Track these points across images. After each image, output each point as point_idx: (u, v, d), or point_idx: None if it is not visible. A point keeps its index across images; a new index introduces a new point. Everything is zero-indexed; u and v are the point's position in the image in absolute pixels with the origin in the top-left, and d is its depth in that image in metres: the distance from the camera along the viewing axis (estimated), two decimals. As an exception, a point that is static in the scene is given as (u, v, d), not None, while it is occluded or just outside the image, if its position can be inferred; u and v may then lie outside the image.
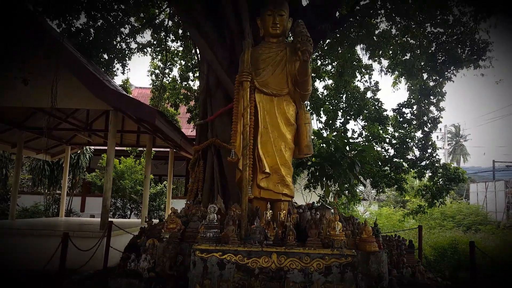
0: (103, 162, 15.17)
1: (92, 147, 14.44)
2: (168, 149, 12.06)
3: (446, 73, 9.04)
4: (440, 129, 36.40)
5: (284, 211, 3.88)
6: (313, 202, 5.36)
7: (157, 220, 4.92)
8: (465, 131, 44.52)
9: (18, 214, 12.54)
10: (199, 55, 6.18)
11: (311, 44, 3.65)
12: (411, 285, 3.64)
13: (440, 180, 9.53)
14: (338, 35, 7.74)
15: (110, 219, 7.25)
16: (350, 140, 5.60)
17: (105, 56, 10.58)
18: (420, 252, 6.26)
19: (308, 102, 10.73)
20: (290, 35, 5.72)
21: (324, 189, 5.32)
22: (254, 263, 3.15)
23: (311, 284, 3.09)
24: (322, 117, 10.63)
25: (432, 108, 9.42)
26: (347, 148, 5.28)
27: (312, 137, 6.73)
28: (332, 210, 4.39)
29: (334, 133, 10.09)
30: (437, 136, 36.23)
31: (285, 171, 4.00)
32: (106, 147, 13.43)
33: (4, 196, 14.57)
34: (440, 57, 8.86)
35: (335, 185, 5.51)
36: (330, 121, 10.40)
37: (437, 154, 9.55)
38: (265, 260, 3.15)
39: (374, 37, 8.51)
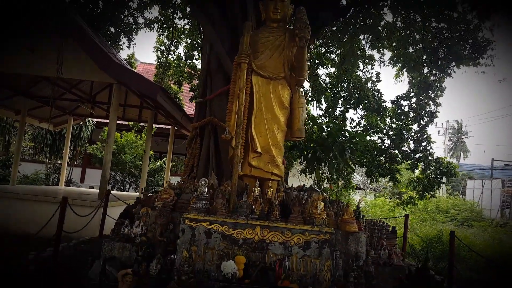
0: (104, 134, 15.38)
1: (95, 119, 14.63)
2: (169, 126, 12.25)
3: (446, 68, 9.12)
4: (442, 124, 36.44)
5: (272, 189, 4.09)
6: (304, 185, 5.58)
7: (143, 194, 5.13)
8: (467, 128, 44.39)
9: (19, 181, 12.84)
10: (202, 34, 6.28)
11: (309, 32, 3.78)
12: (386, 266, 3.90)
13: (432, 173, 9.72)
14: (342, 24, 7.80)
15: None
16: (343, 127, 5.74)
17: (112, 29, 10.65)
18: (404, 239, 6.51)
19: (310, 89, 10.86)
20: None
21: (315, 173, 5.53)
22: (239, 234, 3.39)
23: (290, 256, 3.34)
24: (322, 104, 10.76)
25: (430, 102, 9.53)
26: (341, 134, 5.44)
27: (308, 121, 6.92)
28: (320, 193, 4.60)
29: (334, 121, 10.25)
30: (438, 131, 36.31)
31: (276, 152, 4.20)
32: (108, 120, 13.67)
33: (6, 162, 14.82)
34: (441, 53, 8.92)
35: (325, 169, 5.71)
36: (330, 109, 10.52)
37: (431, 148, 9.70)
38: (249, 232, 3.39)
39: (379, 27, 8.55)
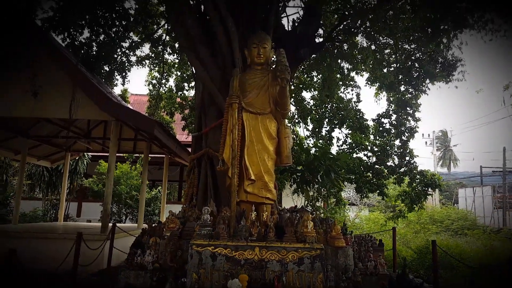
0: (100, 168, 15.73)
1: (90, 154, 14.97)
2: (163, 155, 12.65)
3: (421, 86, 9.84)
4: (429, 135, 37.41)
5: (267, 213, 4.57)
6: (295, 206, 6.04)
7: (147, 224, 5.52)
8: (452, 137, 45.50)
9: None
10: (195, 74, 6.86)
11: (289, 72, 4.38)
12: (373, 275, 4.35)
13: (418, 186, 10.24)
14: (318, 55, 8.50)
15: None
16: (329, 150, 6.28)
17: (106, 68, 11.21)
18: (394, 251, 6.95)
19: (296, 111, 11.48)
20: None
21: (304, 194, 6.02)
22: (241, 255, 3.86)
23: (286, 272, 3.81)
24: (309, 125, 11.36)
25: (409, 118, 10.18)
26: (326, 157, 5.98)
27: (295, 147, 7.46)
28: (310, 213, 5.07)
29: (320, 141, 10.81)
30: (426, 142, 37.25)
31: (268, 178, 4.71)
32: (103, 153, 14.07)
33: (3, 201, 14.93)
34: (415, 72, 9.65)
35: (314, 190, 6.20)
36: (317, 129, 11.11)
37: (414, 162, 10.27)
38: (250, 253, 3.86)
39: (355, 52, 9.24)
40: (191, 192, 5.81)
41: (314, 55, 8.80)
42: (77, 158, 14.62)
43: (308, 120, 11.08)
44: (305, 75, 10.90)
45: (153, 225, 5.17)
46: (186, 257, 3.95)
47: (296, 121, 11.19)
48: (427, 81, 9.88)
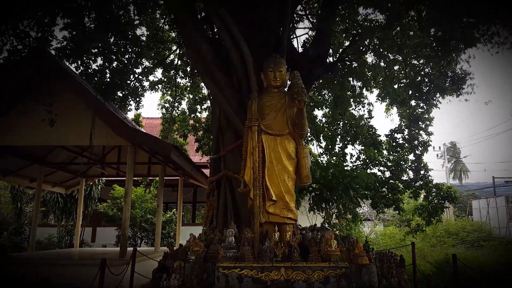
0: (114, 192, 15.88)
1: (104, 179, 15.14)
2: (177, 177, 12.75)
3: (431, 100, 9.89)
4: (440, 147, 37.12)
5: (290, 233, 4.60)
6: (315, 224, 6.04)
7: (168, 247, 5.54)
8: (462, 149, 45.10)
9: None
10: (211, 98, 7.02)
11: (306, 94, 4.50)
12: (397, 292, 4.32)
13: (434, 199, 10.17)
14: (330, 74, 8.66)
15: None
16: (345, 167, 6.32)
17: (119, 94, 11.47)
18: (414, 266, 6.86)
19: (308, 129, 11.56)
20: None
21: (324, 212, 6.03)
22: (267, 276, 3.88)
23: (313, 292, 3.79)
24: (322, 143, 11.41)
25: (421, 132, 10.20)
26: (343, 175, 6.01)
27: (311, 165, 7.50)
28: (331, 231, 5.08)
29: (334, 158, 10.84)
30: (437, 155, 36.92)
31: (289, 198, 4.75)
32: (117, 178, 14.17)
33: (18, 229, 15.06)
34: (424, 87, 9.73)
35: (333, 208, 6.21)
36: (330, 146, 11.16)
37: (429, 175, 10.23)
38: (275, 274, 3.88)
39: (365, 69, 9.38)
40: (211, 214, 5.85)
41: (325, 74, 8.96)
42: (91, 184, 14.80)
43: (321, 138, 11.15)
44: (317, 94, 11.05)
45: (174, 248, 5.20)
46: (212, 280, 3.97)
47: (309, 139, 11.26)
48: (438, 95, 9.94)
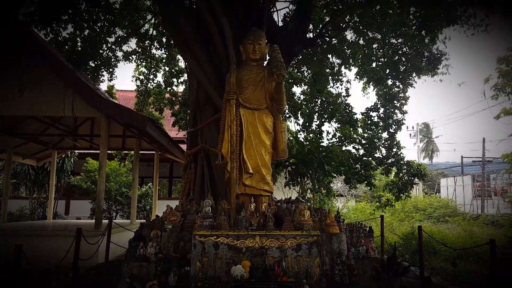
0: (88, 165, 15.59)
1: (77, 151, 14.81)
2: (153, 152, 12.63)
3: (408, 80, 10.11)
4: (413, 127, 38.25)
5: (265, 204, 4.74)
6: (290, 197, 6.21)
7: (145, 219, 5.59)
8: (435, 129, 46.65)
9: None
10: (189, 71, 6.90)
11: (284, 68, 4.52)
12: (364, 259, 4.62)
13: (404, 175, 10.58)
14: (310, 51, 8.66)
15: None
16: (321, 143, 6.46)
17: (92, 64, 11.06)
18: (382, 237, 7.24)
19: (287, 107, 11.63)
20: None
21: (299, 186, 6.19)
22: (242, 243, 4.04)
23: (285, 258, 4.03)
24: (299, 120, 11.53)
25: (396, 111, 10.48)
26: (319, 150, 6.15)
27: (290, 139, 7.63)
28: (305, 203, 5.25)
29: (310, 135, 11.01)
30: (410, 134, 38.08)
31: (265, 171, 4.85)
32: (91, 151, 13.92)
33: (-13, 201, 14.63)
34: (402, 66, 9.91)
35: (308, 182, 6.38)
36: (307, 124, 11.30)
37: (401, 153, 10.60)
38: (250, 241, 4.05)
39: (344, 46, 9.43)
40: (188, 187, 5.89)
41: (305, 50, 8.95)
42: (63, 156, 14.47)
43: (299, 115, 11.26)
44: (296, 70, 11.05)
45: (151, 219, 5.25)
46: (188, 247, 4.08)
47: (287, 115, 11.35)
48: (414, 74, 10.16)
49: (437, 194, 28.25)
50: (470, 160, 32.82)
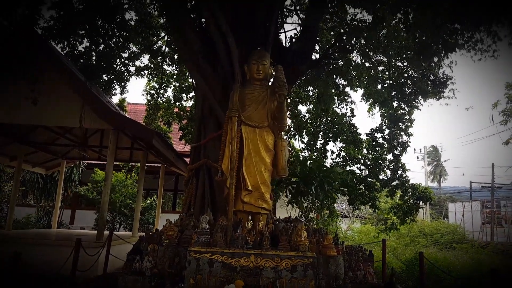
0: (95, 176, 15.76)
1: (85, 161, 15.01)
2: (159, 165, 12.74)
3: (413, 102, 10.14)
4: (420, 149, 37.88)
5: (262, 222, 4.75)
6: (290, 216, 6.21)
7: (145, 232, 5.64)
8: (443, 152, 46.15)
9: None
10: (195, 86, 7.06)
11: (286, 88, 4.62)
12: (362, 284, 4.54)
13: (409, 199, 10.47)
14: (314, 72, 8.80)
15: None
16: (323, 163, 6.49)
17: (105, 77, 11.35)
18: (384, 262, 7.14)
19: (292, 124, 11.71)
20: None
21: (298, 205, 6.19)
22: (236, 262, 4.02)
23: (280, 279, 3.97)
24: (304, 138, 11.59)
25: (402, 133, 10.46)
26: (321, 169, 6.18)
27: (291, 159, 7.66)
28: (303, 223, 5.25)
29: (315, 154, 11.03)
30: (417, 157, 37.69)
31: (264, 189, 4.89)
32: (99, 162, 14.13)
33: (-4, 207, 14.88)
34: (407, 89, 9.96)
35: (308, 201, 6.38)
36: (312, 142, 11.34)
37: (406, 175, 10.52)
38: (245, 260, 4.03)
39: (350, 68, 9.53)
40: (189, 201, 5.95)
41: (309, 72, 9.08)
42: (72, 166, 14.66)
43: (304, 133, 11.32)
44: (301, 90, 11.18)
45: (150, 233, 5.29)
46: (184, 263, 4.09)
47: (292, 133, 11.42)
48: (419, 97, 10.19)
49: (445, 219, 27.72)
50: (479, 185, 32.23)
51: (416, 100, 10.24)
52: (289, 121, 11.62)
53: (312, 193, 5.74)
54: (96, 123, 8.09)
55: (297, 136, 11.58)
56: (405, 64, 10.06)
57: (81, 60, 10.45)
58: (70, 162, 13.80)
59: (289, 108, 11.02)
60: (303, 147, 11.45)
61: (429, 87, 9.79)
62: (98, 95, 8.37)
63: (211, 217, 5.27)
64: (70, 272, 4.68)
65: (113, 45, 10.32)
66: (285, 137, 5.29)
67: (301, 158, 6.96)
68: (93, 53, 10.53)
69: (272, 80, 5.41)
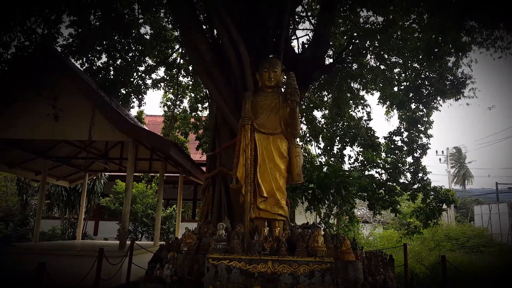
0: (117, 187, 16.12)
1: (107, 173, 15.39)
2: (177, 174, 12.93)
3: (432, 103, 9.95)
4: (443, 152, 36.96)
5: (279, 228, 4.76)
6: (307, 222, 6.19)
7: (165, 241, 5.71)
8: (467, 153, 44.79)
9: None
10: (209, 96, 7.18)
11: (299, 95, 4.66)
12: (382, 288, 4.46)
13: (432, 202, 10.23)
14: (327, 77, 8.79)
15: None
16: (339, 168, 6.45)
17: (123, 91, 11.67)
18: (405, 267, 6.98)
19: (307, 130, 11.68)
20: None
21: (316, 210, 6.17)
22: (254, 268, 4.05)
23: (298, 285, 3.97)
24: (321, 144, 11.53)
25: (421, 135, 10.26)
26: (337, 175, 6.14)
27: (307, 165, 7.65)
28: (321, 229, 5.23)
29: (332, 159, 10.95)
30: (440, 159, 36.78)
31: (279, 195, 4.91)
32: (120, 173, 14.44)
33: (23, 220, 15.38)
34: (424, 90, 9.79)
35: (325, 207, 6.35)
36: (328, 147, 11.27)
37: (427, 178, 10.29)
38: (263, 266, 4.05)
39: (365, 71, 9.47)
40: (206, 209, 6.02)
41: (324, 76, 9.07)
42: (94, 178, 15.07)
43: (320, 139, 11.26)
44: (316, 95, 11.16)
45: (170, 241, 5.37)
46: (202, 270, 4.14)
47: (308, 139, 11.38)
48: (438, 98, 9.99)
49: (471, 222, 26.84)
50: (505, 186, 31.14)
51: (434, 101, 10.04)
52: (304, 127, 11.60)
53: (329, 198, 5.70)
54: (115, 135, 8.31)
55: (313, 142, 11.54)
56: (421, 65, 9.90)
57: (100, 75, 10.79)
58: (92, 174, 14.18)
59: (304, 114, 11.01)
60: (320, 152, 11.39)
61: (447, 87, 9.60)
62: (116, 108, 8.62)
63: (228, 224, 5.32)
64: (94, 281, 4.80)
65: (129, 59, 10.63)
66: (300, 143, 5.29)
67: (317, 164, 6.94)
68: (111, 68, 10.85)
69: (284, 87, 5.46)
